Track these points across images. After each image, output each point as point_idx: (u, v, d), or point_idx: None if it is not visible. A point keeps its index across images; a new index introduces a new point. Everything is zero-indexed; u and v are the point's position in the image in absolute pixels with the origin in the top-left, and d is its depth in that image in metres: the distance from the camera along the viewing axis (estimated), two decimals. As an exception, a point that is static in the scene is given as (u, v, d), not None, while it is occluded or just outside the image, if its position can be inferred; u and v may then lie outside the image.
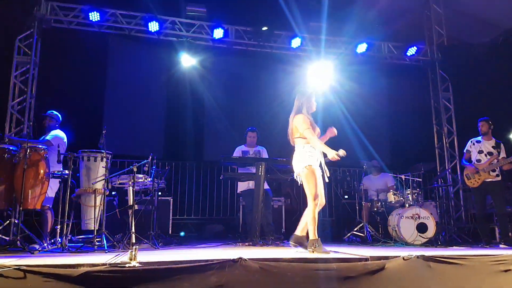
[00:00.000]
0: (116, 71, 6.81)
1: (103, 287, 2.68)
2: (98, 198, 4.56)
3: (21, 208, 4.17)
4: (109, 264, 2.79)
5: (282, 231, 6.36)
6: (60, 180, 4.71)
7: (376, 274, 3.13)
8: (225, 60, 7.19)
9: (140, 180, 4.88)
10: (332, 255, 3.42)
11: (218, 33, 7.00)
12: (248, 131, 5.82)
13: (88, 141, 5.41)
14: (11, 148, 4.47)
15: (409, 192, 5.97)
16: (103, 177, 4.50)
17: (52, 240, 4.43)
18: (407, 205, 5.88)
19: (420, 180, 6.18)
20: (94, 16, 6.48)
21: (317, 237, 3.82)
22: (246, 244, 4.94)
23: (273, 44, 7.44)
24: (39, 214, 4.86)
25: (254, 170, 5.32)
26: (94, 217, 4.46)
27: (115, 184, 4.95)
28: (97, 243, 4.30)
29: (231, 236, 6.36)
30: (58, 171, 4.58)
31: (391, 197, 6.10)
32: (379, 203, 6.26)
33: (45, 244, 4.32)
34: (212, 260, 2.94)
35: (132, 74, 6.79)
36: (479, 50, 7.83)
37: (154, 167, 5.12)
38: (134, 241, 4.72)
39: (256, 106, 7.23)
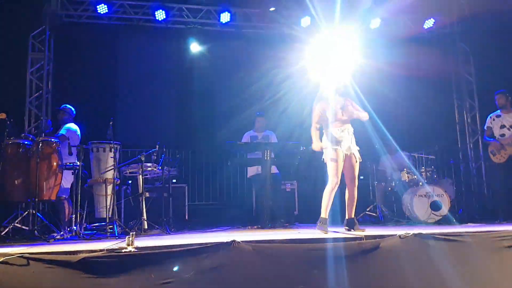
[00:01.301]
0: (127, 62, 6.93)
1: (101, 271, 2.83)
2: (109, 188, 4.75)
3: (36, 200, 4.41)
4: (107, 249, 2.93)
5: (295, 214, 6.39)
6: (72, 171, 4.93)
7: (371, 253, 3.12)
8: (235, 45, 7.14)
9: (149, 168, 5.01)
10: (327, 235, 3.42)
11: (225, 17, 6.96)
12: (256, 116, 5.84)
13: (102, 132, 5.60)
14: (25, 142, 4.69)
15: (423, 170, 5.82)
16: (112, 167, 4.66)
17: (68, 229, 4.67)
18: (420, 183, 5.75)
19: (434, 157, 6.00)
20: (102, 9, 6.60)
21: (326, 216, 3.88)
22: (255, 227, 5.01)
23: (282, 24, 7.32)
24: (57, 205, 5.13)
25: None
26: (106, 206, 4.65)
27: (126, 173, 5.12)
28: (109, 231, 4.49)
29: (244, 220, 6.44)
30: (70, 163, 4.77)
31: (405, 176, 5.97)
32: (393, 183, 6.14)
33: (62, 233, 4.55)
34: (206, 244, 3.02)
35: (142, 65, 6.90)
36: (501, 19, 7.38)
37: (163, 156, 5.24)
38: (146, 227, 4.93)
39: (267, 89, 7.18)
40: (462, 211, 5.94)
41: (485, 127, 5.79)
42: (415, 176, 5.88)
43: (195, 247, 2.99)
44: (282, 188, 6.38)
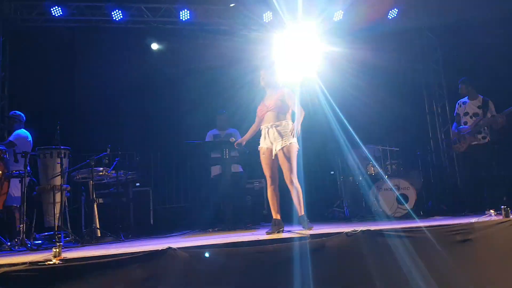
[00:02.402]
0: (86, 65, 6.71)
1: (22, 286, 2.63)
2: (58, 195, 4.54)
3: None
4: (30, 263, 2.72)
5: (264, 213, 6.23)
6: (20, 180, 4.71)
7: (316, 253, 2.96)
8: (197, 42, 6.96)
9: (101, 173, 4.81)
10: (268, 237, 3.26)
11: (185, 14, 6.76)
12: (217, 114, 5.68)
13: (61, 139, 5.37)
14: (-31, 151, 4.47)
15: (388, 163, 5.71)
16: (59, 174, 4.45)
17: (16, 239, 4.44)
18: (386, 177, 5.63)
19: (397, 149, 5.89)
20: (56, 11, 6.35)
21: (275, 217, 3.85)
22: (216, 229, 4.84)
23: (246, 21, 7.15)
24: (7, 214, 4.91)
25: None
26: (54, 214, 4.44)
27: (77, 179, 4.91)
28: (57, 240, 4.28)
29: (211, 222, 6.27)
30: (18, 171, 4.56)
31: (370, 170, 5.85)
32: (360, 177, 6.02)
33: (10, 244, 4.33)
34: (138, 253, 2.83)
35: (102, 67, 6.66)
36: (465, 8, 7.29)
37: (117, 159, 5.04)
38: (99, 234, 4.73)
39: (232, 86, 7.01)
40: (432, 204, 5.84)
41: (455, 114, 5.70)
42: (381, 170, 5.76)
43: (126, 257, 2.81)
44: (249, 187, 6.24)
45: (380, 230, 3.12)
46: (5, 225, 4.88)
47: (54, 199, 4.50)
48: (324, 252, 2.96)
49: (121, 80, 6.69)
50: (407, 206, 5.28)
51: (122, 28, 6.77)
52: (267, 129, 3.86)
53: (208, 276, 2.82)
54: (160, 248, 2.84)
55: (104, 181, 5.26)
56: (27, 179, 4.68)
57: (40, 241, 4.46)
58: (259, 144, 3.97)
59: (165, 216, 6.65)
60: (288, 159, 3.72)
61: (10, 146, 4.88)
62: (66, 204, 4.85)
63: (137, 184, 6.25)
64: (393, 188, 5.35)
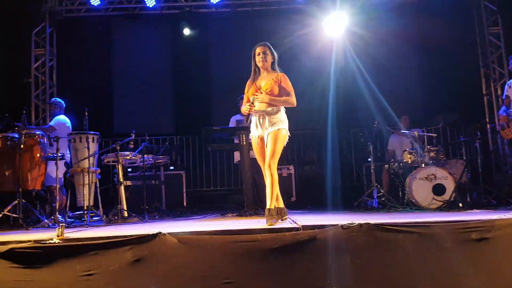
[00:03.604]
0: (122, 52, 7.02)
1: (27, 262, 2.86)
2: (87, 177, 4.84)
3: (21, 190, 4.62)
4: (34, 241, 2.94)
5: (292, 200, 6.12)
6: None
7: (306, 245, 2.83)
8: (230, 26, 6.91)
9: (127, 157, 5.02)
10: (259, 226, 3.17)
11: (216, -4, 6.74)
12: (239, 99, 5.60)
13: (100, 122, 5.71)
14: (12, 136, 4.91)
15: (427, 149, 5.26)
16: (86, 157, 4.73)
17: (52, 217, 4.84)
18: (423, 165, 5.20)
19: (435, 135, 5.38)
20: (95, 1, 6.67)
21: (269, 206, 3.62)
22: (234, 215, 4.86)
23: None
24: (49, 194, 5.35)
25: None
26: (84, 194, 4.75)
27: (104, 163, 5.19)
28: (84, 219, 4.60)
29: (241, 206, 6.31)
30: (52, 154, 4.92)
31: (407, 157, 5.44)
32: (396, 165, 5.63)
33: (46, 221, 4.73)
34: (131, 236, 2.93)
35: (137, 53, 6.94)
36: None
37: (144, 144, 5.23)
38: (126, 215, 4.98)
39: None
40: (477, 196, 5.30)
41: (504, 96, 5.08)
42: (419, 157, 5.33)
43: (120, 239, 2.92)
44: (279, 173, 6.14)
45: (381, 224, 2.89)
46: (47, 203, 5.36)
47: (83, 181, 4.80)
48: (314, 245, 2.81)
49: (154, 65, 6.89)
50: (443, 198, 4.85)
51: (156, 14, 6.92)
52: (259, 116, 3.63)
53: (194, 261, 2.83)
54: (150, 233, 2.91)
55: (134, 165, 5.50)
56: (62, 162, 5.07)
57: (72, 219, 4.82)
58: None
59: (198, 199, 6.84)
60: (273, 144, 3.51)
61: (50, 131, 5.29)
62: (98, 185, 5.15)
63: (171, 167, 6.47)
64: (428, 177, 4.93)
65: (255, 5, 7.00)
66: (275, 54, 3.72)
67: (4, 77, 6.37)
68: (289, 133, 3.66)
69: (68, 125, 5.57)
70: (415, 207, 4.96)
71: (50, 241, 2.91)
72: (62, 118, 5.57)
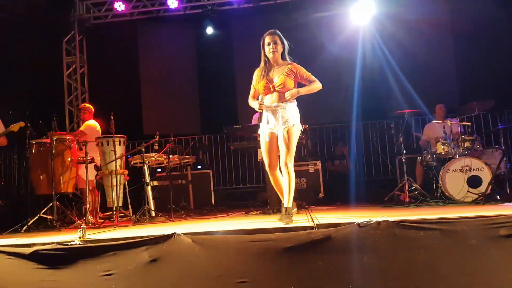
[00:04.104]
0: (148, 55, 7.16)
1: (51, 263, 2.98)
2: (115, 179, 4.98)
3: (53, 193, 4.84)
4: (57, 242, 3.06)
5: (319, 196, 6.00)
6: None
7: (321, 245, 2.74)
8: (253, 21, 6.86)
9: (152, 158, 5.12)
10: (273, 225, 3.11)
11: (239, -5, 6.72)
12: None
13: (131, 125, 5.87)
14: (45, 141, 5.15)
15: (461, 139, 4.96)
16: (112, 160, 4.87)
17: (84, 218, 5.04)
18: (457, 156, 4.92)
19: (469, 124, 5.05)
20: (120, 6, 6.85)
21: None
22: (258, 212, 4.83)
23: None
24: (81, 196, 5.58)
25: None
26: (112, 196, 4.90)
27: (131, 164, 5.32)
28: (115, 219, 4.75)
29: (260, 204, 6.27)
30: (82, 157, 5.11)
31: (440, 148, 5.16)
32: (429, 156, 5.36)
33: (79, 222, 4.93)
34: (147, 237, 2.98)
35: (163, 55, 7.05)
36: None
37: (169, 144, 5.30)
38: (153, 214, 5.09)
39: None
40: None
41: None
42: (453, 148, 5.04)
43: (137, 240, 2.97)
44: (303, 169, 6.06)
45: (401, 221, 2.74)
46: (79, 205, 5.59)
47: (111, 183, 4.95)
48: (329, 244, 2.72)
49: (179, 66, 6.98)
50: (479, 190, 4.55)
51: (179, 16, 7.00)
52: (271, 111, 3.48)
53: (208, 261, 2.83)
54: (166, 233, 2.94)
55: (162, 165, 5.60)
56: (92, 165, 5.26)
57: (102, 220, 5.00)
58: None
59: (226, 197, 6.88)
60: (289, 142, 3.39)
61: (81, 136, 5.50)
62: (126, 186, 5.30)
63: (198, 166, 6.54)
64: (462, 169, 4.65)
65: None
66: (286, 43, 3.54)
67: (38, 85, 6.71)
68: (301, 127, 3.55)
69: (97, 129, 5.76)
70: (449, 201, 4.70)
71: (72, 243, 3.02)
72: (92, 122, 5.76)
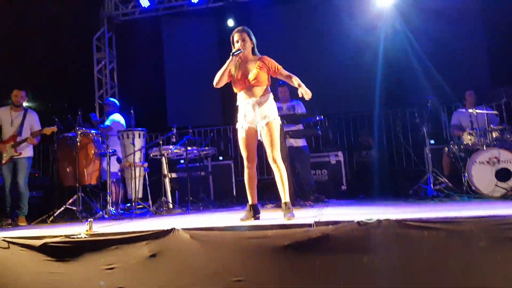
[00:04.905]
0: (172, 49, 7.24)
1: (59, 255, 3.11)
2: (137, 170, 5.12)
3: (78, 185, 5.06)
4: (65, 235, 3.18)
5: (342, 189, 5.82)
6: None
7: (318, 243, 2.65)
8: (273, 12, 6.73)
9: (169, 150, 5.19)
10: (272, 222, 3.02)
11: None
12: (277, 86, 5.42)
13: (156, 118, 5.99)
14: (72, 135, 5.37)
15: (489, 129, 4.60)
16: (131, 153, 4.99)
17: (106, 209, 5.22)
18: (484, 147, 4.57)
19: (496, 112, 4.65)
20: (144, 2, 6.95)
21: (251, 202, 3.52)
22: (273, 205, 4.77)
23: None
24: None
25: (291, 127, 5.07)
26: (132, 187, 5.04)
27: (152, 157, 5.43)
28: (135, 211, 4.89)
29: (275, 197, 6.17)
30: (103, 151, 5.28)
31: (467, 138, 4.82)
32: (456, 147, 5.03)
33: (101, 213, 5.11)
34: (147, 231, 3.02)
35: (186, 48, 7.10)
36: None
37: (187, 137, 5.35)
38: (171, 206, 5.19)
39: (314, 57, 6.63)
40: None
41: None
42: (481, 138, 4.69)
43: (137, 234, 3.02)
44: (325, 160, 5.91)
45: (403, 220, 2.58)
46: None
47: (131, 175, 5.09)
48: (327, 243, 2.62)
49: (201, 59, 6.98)
50: (508, 184, 4.22)
51: (202, 9, 7.00)
52: (250, 106, 3.35)
53: (205, 258, 2.82)
54: (165, 228, 2.97)
55: (182, 157, 5.68)
56: (115, 157, 5.43)
57: (122, 211, 5.16)
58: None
59: (261, 188, 6.84)
60: (272, 136, 3.30)
61: (107, 130, 5.68)
62: (146, 178, 5.43)
63: (220, 158, 6.56)
64: (490, 161, 4.33)
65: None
66: (254, 39, 3.47)
67: (70, 81, 7.00)
68: (280, 121, 3.44)
69: (122, 123, 5.93)
70: (476, 195, 4.39)
71: (78, 236, 3.13)
72: (117, 117, 5.94)
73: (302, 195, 5.04)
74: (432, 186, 4.77)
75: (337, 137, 6.49)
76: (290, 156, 5.03)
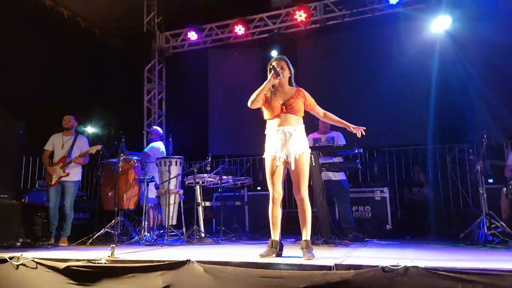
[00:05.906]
0: (216, 79, 7.41)
1: (80, 279, 3.14)
2: (172, 197, 5.16)
3: (117, 209, 5.19)
4: (87, 259, 3.21)
5: (387, 228, 5.40)
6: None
7: (337, 288, 2.41)
8: (318, 42, 6.69)
9: (205, 179, 5.19)
10: (289, 261, 2.81)
11: (303, 15, 6.60)
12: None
13: (201, 147, 6.10)
14: (115, 161, 5.58)
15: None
16: (166, 180, 5.05)
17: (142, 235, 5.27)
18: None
19: None
20: (193, 35, 7.25)
21: (274, 238, 3.35)
22: (294, 241, 4.53)
23: (369, 7, 6.44)
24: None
25: (327, 160, 4.87)
26: (166, 214, 5.07)
27: (186, 184, 5.46)
28: (167, 237, 4.88)
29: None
30: (142, 177, 5.40)
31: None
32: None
33: (137, 238, 5.17)
34: (164, 261, 2.96)
35: (230, 79, 7.22)
36: None
37: (223, 165, 5.32)
38: (203, 235, 5.12)
39: (363, 88, 6.44)
40: None
41: None
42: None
43: (154, 263, 2.97)
44: (368, 196, 5.55)
45: (434, 269, 2.28)
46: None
47: (166, 201, 5.13)
48: (346, 288, 2.37)
49: (244, 89, 7.03)
50: None
51: (247, 41, 7.15)
52: (282, 134, 3.18)
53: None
54: (181, 259, 2.89)
55: (217, 186, 5.65)
56: (153, 184, 5.53)
57: (156, 237, 5.18)
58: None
59: (288, 220, 6.62)
60: (302, 170, 3.13)
61: (145, 157, 5.84)
62: (182, 205, 5.45)
63: (258, 188, 6.45)
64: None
65: (345, 16, 6.64)
66: (292, 69, 3.37)
67: (122, 110, 7.39)
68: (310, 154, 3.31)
69: (161, 150, 6.07)
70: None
71: (99, 261, 3.14)
72: (156, 144, 6.10)
73: (339, 232, 4.74)
74: (485, 230, 4.25)
75: (386, 172, 6.10)
76: (328, 190, 4.82)
